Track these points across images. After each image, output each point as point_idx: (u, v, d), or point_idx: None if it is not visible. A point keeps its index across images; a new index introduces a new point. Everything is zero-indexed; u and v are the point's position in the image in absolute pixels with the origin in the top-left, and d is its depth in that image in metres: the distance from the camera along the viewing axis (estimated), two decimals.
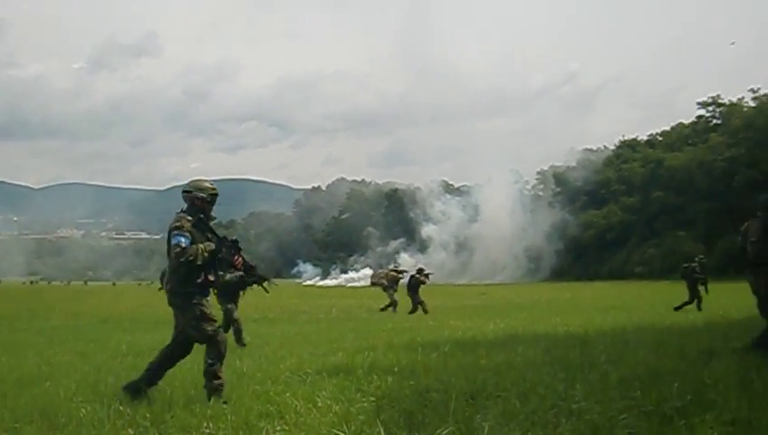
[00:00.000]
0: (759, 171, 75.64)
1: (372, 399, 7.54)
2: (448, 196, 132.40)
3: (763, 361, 9.01)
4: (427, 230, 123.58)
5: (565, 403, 6.89)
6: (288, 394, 7.83)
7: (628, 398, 6.94)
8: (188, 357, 12.63)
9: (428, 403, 7.22)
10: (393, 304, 29.66)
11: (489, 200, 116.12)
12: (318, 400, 7.60)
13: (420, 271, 30.44)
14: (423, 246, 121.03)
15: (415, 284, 29.34)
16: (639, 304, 30.11)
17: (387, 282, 30.41)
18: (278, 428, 6.31)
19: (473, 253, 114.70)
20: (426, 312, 27.78)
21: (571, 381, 8.19)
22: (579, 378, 8.38)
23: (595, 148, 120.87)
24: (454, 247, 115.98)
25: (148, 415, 6.95)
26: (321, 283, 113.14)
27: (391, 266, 31.37)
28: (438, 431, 5.81)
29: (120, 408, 7.28)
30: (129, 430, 6.49)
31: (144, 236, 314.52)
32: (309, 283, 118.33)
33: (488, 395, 7.64)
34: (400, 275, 30.74)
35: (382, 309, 29.57)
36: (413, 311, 28.40)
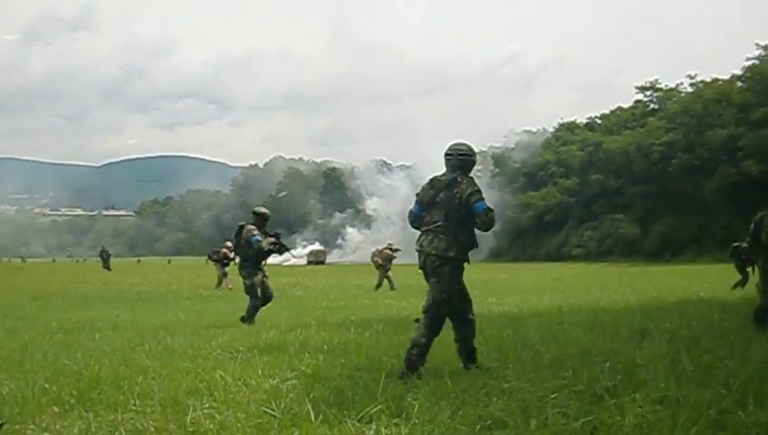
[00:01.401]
0: (695, 156, 76.86)
1: (303, 377, 7.50)
2: (396, 170, 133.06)
3: (693, 342, 9.14)
4: (371, 204, 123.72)
5: (497, 382, 6.90)
6: (219, 371, 7.75)
7: (559, 377, 6.97)
8: (124, 334, 12.52)
9: (359, 381, 7.19)
10: (380, 283, 29.99)
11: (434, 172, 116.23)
12: (248, 377, 7.55)
13: (390, 246, 31.17)
14: (368, 222, 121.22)
15: (385, 259, 29.78)
16: (576, 285, 30.40)
17: (381, 260, 30.26)
18: (206, 405, 6.24)
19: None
20: (393, 288, 28.49)
21: (503, 360, 8.23)
22: (512, 357, 8.42)
23: (534, 130, 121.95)
24: (401, 223, 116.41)
25: (74, 392, 6.83)
26: None
27: (385, 245, 31.10)
28: (368, 410, 5.78)
29: (46, 385, 7.15)
30: (54, 407, 6.36)
31: (80, 212, 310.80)
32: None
33: (419, 374, 7.64)
34: (394, 254, 30.63)
35: (377, 287, 29.54)
36: (378, 286, 29.20)
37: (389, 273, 29.95)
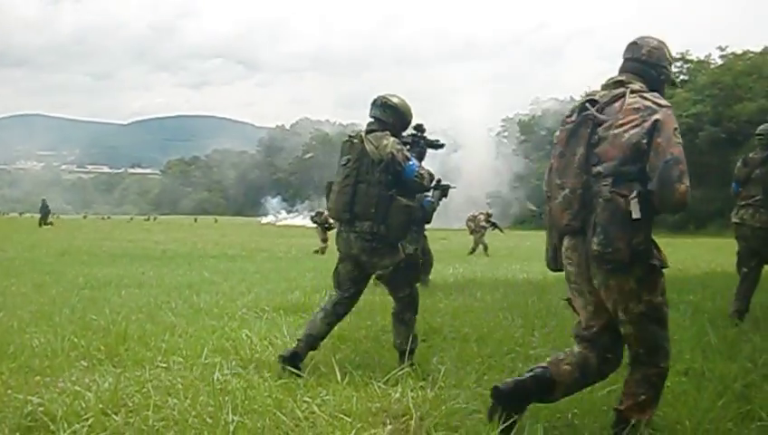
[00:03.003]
0: (723, 129, 76.13)
1: (329, 338, 7.53)
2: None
3: (718, 314, 9.11)
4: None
5: (522, 349, 6.93)
6: (244, 331, 7.80)
7: None
8: (150, 292, 12.60)
9: (385, 344, 7.22)
10: (475, 247, 30.09)
11: (466, 137, 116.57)
12: (274, 337, 7.58)
13: (486, 212, 31.75)
14: None
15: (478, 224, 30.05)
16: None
17: (474, 226, 30.19)
18: (233, 363, 6.28)
19: (456, 181, 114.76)
20: (486, 253, 28.82)
21: (528, 327, 8.23)
22: (537, 324, 8.42)
23: (562, 98, 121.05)
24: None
25: (102, 347, 6.89)
26: (282, 222, 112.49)
27: (480, 211, 30.93)
28: (393, 372, 5.79)
29: (75, 340, 7.21)
30: (83, 361, 6.42)
31: (106, 169, 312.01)
32: (266, 221, 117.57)
33: (445, 337, 7.66)
34: (484, 223, 30.57)
35: (471, 252, 29.75)
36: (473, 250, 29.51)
37: (484, 238, 29.99)
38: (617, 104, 4.39)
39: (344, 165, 6.50)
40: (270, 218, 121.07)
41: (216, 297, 11.64)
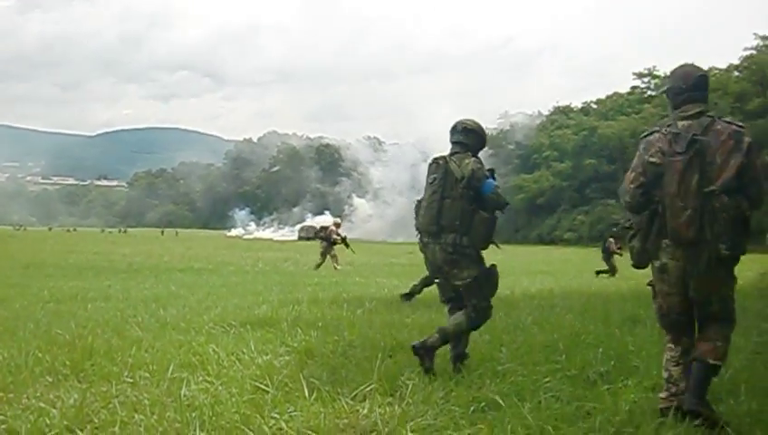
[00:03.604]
0: None
1: (296, 353, 7.52)
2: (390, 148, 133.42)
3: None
4: (375, 172, 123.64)
5: (490, 364, 6.94)
6: (211, 345, 7.76)
7: (552, 361, 7.02)
8: (116, 305, 12.52)
9: (352, 360, 7.22)
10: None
11: (435, 151, 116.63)
12: (241, 352, 7.55)
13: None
14: (374, 192, 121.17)
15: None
16: (567, 269, 30.50)
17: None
18: (200, 379, 6.25)
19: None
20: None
21: (496, 342, 8.25)
22: (505, 340, 8.44)
23: (530, 112, 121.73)
24: (411, 195, 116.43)
25: (67, 362, 6.83)
26: (250, 235, 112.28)
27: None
28: (361, 388, 5.80)
29: (39, 354, 7.15)
30: (48, 377, 6.36)
31: (72, 181, 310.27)
32: (233, 234, 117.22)
33: (412, 353, 7.66)
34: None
35: None
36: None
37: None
38: (711, 132, 5.19)
39: (431, 183, 7.12)
40: (237, 231, 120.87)
41: (182, 311, 11.57)
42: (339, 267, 27.38)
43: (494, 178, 7.17)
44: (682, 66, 5.65)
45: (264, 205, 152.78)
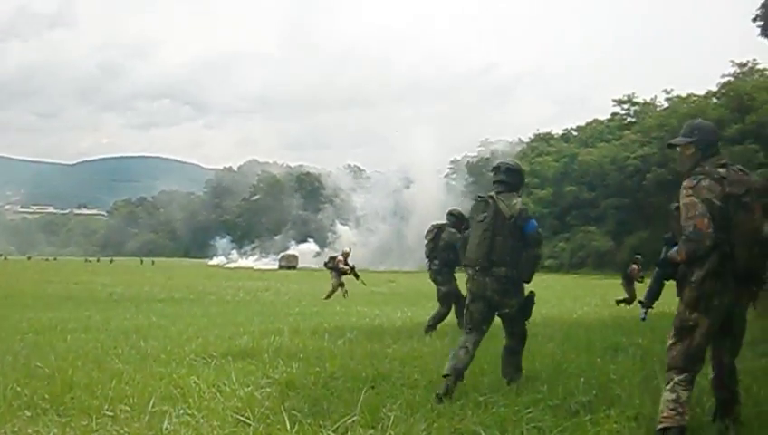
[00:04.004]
0: (669, 170, 77.23)
1: (277, 385, 7.49)
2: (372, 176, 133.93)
3: (666, 357, 9.19)
4: (358, 199, 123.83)
5: (472, 395, 6.92)
6: (193, 377, 7.73)
7: (534, 391, 7.00)
8: (96, 337, 12.44)
9: (334, 391, 7.21)
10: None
11: (416, 179, 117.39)
12: (222, 384, 7.52)
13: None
14: (357, 219, 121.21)
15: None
16: (548, 296, 30.47)
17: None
18: (181, 411, 6.22)
19: (408, 221, 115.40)
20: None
21: (478, 373, 8.23)
22: (486, 370, 8.42)
23: (510, 140, 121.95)
24: (394, 222, 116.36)
25: (47, 396, 6.79)
26: (232, 264, 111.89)
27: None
28: (343, 420, 5.78)
29: (18, 388, 7.09)
30: (27, 411, 6.32)
31: (51, 210, 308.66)
32: (214, 263, 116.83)
33: (394, 384, 7.64)
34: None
35: None
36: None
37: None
38: (744, 178, 5.55)
39: (481, 221, 7.74)
40: (218, 260, 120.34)
41: (163, 342, 11.52)
42: (346, 297, 27.19)
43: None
44: (700, 121, 5.94)
45: (245, 233, 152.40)
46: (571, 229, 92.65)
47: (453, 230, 13.27)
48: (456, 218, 13.59)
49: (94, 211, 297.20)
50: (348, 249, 29.29)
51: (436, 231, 13.73)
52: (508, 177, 7.94)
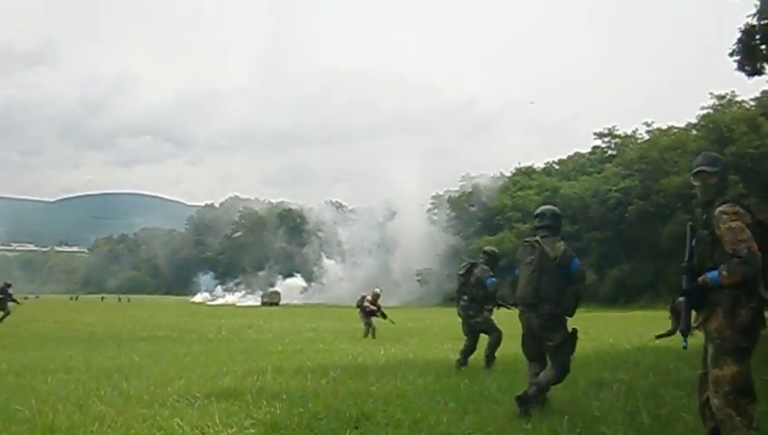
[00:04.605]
0: (651, 203, 77.84)
1: (261, 426, 7.45)
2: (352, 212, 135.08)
3: (650, 393, 9.20)
4: (343, 232, 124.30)
5: None
6: (176, 419, 7.68)
7: (518, 430, 7.00)
8: (78, 377, 12.32)
9: (318, 432, 7.18)
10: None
11: (398, 214, 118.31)
12: (206, 425, 7.47)
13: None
14: (342, 253, 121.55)
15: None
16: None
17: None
18: None
19: (393, 254, 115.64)
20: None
21: (461, 411, 8.21)
22: (469, 408, 8.41)
23: (491, 174, 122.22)
24: (375, 250, 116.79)
25: None
26: (213, 301, 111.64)
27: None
28: None
29: None
30: None
31: (32, 247, 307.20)
32: (196, 300, 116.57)
33: (378, 424, 7.61)
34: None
35: None
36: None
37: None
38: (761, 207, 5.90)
39: (528, 263, 8.61)
40: (201, 296, 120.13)
41: (145, 383, 11.43)
42: (374, 336, 26.42)
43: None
44: (716, 154, 6.19)
45: (227, 270, 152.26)
46: None
47: (486, 268, 13.40)
48: (489, 256, 13.75)
49: (75, 248, 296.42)
50: (378, 290, 28.94)
51: (469, 267, 13.78)
52: (552, 221, 8.99)
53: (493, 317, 14.13)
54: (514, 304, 8.99)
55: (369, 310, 27.43)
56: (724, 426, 5.36)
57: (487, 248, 14.32)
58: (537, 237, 8.78)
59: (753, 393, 5.41)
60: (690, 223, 5.95)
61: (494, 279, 13.12)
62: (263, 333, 29.58)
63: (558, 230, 9.02)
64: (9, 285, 36.79)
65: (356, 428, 7.37)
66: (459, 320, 14.10)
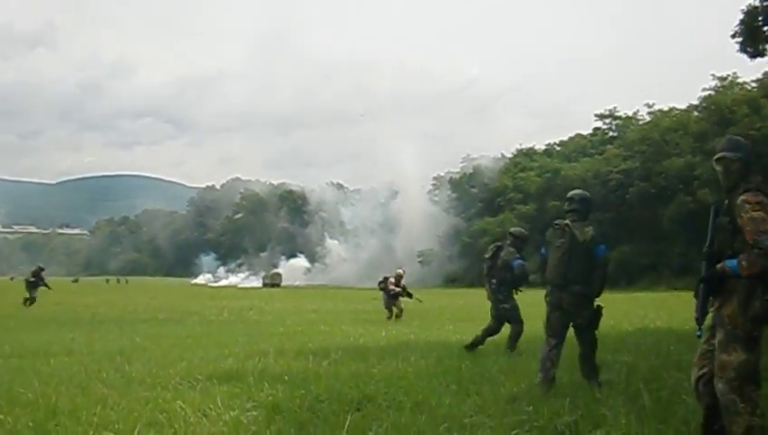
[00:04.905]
0: (652, 184, 77.72)
1: (263, 408, 7.46)
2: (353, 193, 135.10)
3: (651, 375, 9.21)
4: (346, 212, 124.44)
5: (457, 418, 6.90)
6: (178, 402, 7.68)
7: (520, 412, 6.97)
8: (80, 360, 12.34)
9: (320, 414, 7.18)
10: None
11: (399, 196, 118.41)
12: (208, 408, 7.48)
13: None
14: (346, 234, 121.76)
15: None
16: (532, 312, 30.31)
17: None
18: None
19: (396, 235, 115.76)
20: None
21: (463, 393, 8.21)
22: (471, 390, 8.41)
23: (493, 156, 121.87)
24: (383, 234, 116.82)
25: (30, 423, 6.74)
26: (219, 282, 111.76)
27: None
28: None
29: (1, 416, 7.04)
30: None
31: (33, 230, 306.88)
32: (198, 281, 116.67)
33: (379, 406, 7.62)
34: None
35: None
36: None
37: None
38: None
39: (558, 246, 8.97)
40: (204, 278, 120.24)
41: (148, 365, 11.45)
42: (401, 317, 25.81)
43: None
44: (740, 138, 6.02)
45: (228, 251, 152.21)
46: None
47: (512, 250, 13.52)
48: (515, 238, 13.82)
49: (76, 231, 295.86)
50: (401, 271, 28.15)
51: (496, 250, 13.88)
52: (581, 206, 9.24)
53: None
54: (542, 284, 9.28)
55: (395, 292, 26.67)
56: (728, 411, 5.34)
57: (514, 230, 14.34)
58: (567, 221, 9.08)
59: (758, 381, 5.40)
60: (714, 205, 5.87)
61: (520, 261, 13.21)
62: (264, 315, 29.61)
63: (587, 214, 9.30)
64: (42, 269, 36.92)
65: (358, 410, 7.37)
66: (488, 303, 14.13)
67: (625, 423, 6.37)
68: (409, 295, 27.36)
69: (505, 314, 13.76)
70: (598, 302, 9.03)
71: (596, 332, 9.20)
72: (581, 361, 9.18)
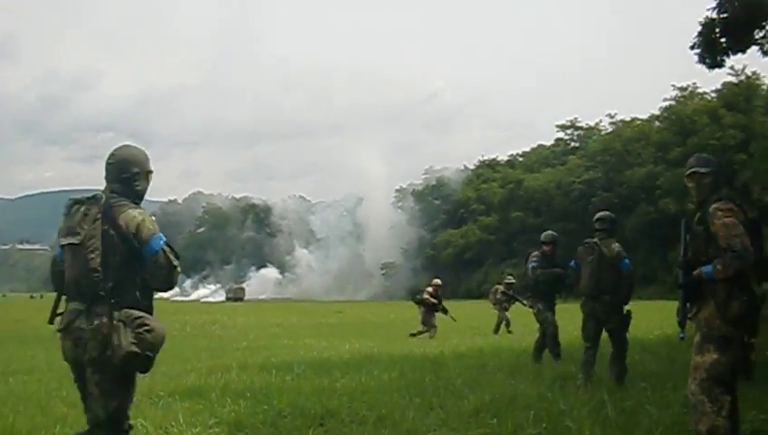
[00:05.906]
0: (614, 194, 78.55)
1: (225, 425, 7.40)
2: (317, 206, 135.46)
3: (615, 385, 9.26)
4: (314, 219, 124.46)
5: (420, 431, 6.88)
6: (139, 419, 7.58)
7: (484, 425, 6.97)
8: (40, 378, 12.18)
9: (282, 430, 7.14)
10: (501, 321, 26.60)
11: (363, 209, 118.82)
12: (170, 425, 7.41)
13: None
14: (315, 243, 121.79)
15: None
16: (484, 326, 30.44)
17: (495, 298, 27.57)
18: None
19: (364, 243, 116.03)
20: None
21: (426, 407, 8.19)
22: (434, 403, 8.39)
23: (455, 167, 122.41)
24: (352, 243, 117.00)
25: None
26: (178, 297, 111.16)
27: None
28: None
29: None
30: None
31: None
32: (163, 295, 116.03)
33: (342, 421, 7.58)
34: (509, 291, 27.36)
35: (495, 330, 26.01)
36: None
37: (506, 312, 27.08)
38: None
39: (589, 262, 10.10)
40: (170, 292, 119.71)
41: None
42: (433, 335, 23.79)
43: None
44: (709, 155, 6.35)
45: (192, 265, 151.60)
46: (517, 255, 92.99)
47: (535, 253, 14.18)
48: (544, 244, 14.22)
49: (37, 246, 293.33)
50: (438, 280, 26.72)
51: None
52: (609, 225, 10.40)
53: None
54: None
55: (431, 303, 24.88)
56: (695, 410, 5.49)
57: (544, 235, 14.65)
58: (595, 239, 10.24)
59: (728, 384, 5.50)
60: (684, 219, 6.12)
61: (534, 264, 13.82)
62: (227, 330, 29.48)
63: (614, 232, 10.51)
64: None
65: (321, 425, 7.34)
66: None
67: (589, 434, 6.37)
68: (444, 311, 25.85)
69: (536, 317, 14.44)
70: (626, 308, 10.11)
71: (626, 334, 10.28)
72: (613, 362, 10.26)
